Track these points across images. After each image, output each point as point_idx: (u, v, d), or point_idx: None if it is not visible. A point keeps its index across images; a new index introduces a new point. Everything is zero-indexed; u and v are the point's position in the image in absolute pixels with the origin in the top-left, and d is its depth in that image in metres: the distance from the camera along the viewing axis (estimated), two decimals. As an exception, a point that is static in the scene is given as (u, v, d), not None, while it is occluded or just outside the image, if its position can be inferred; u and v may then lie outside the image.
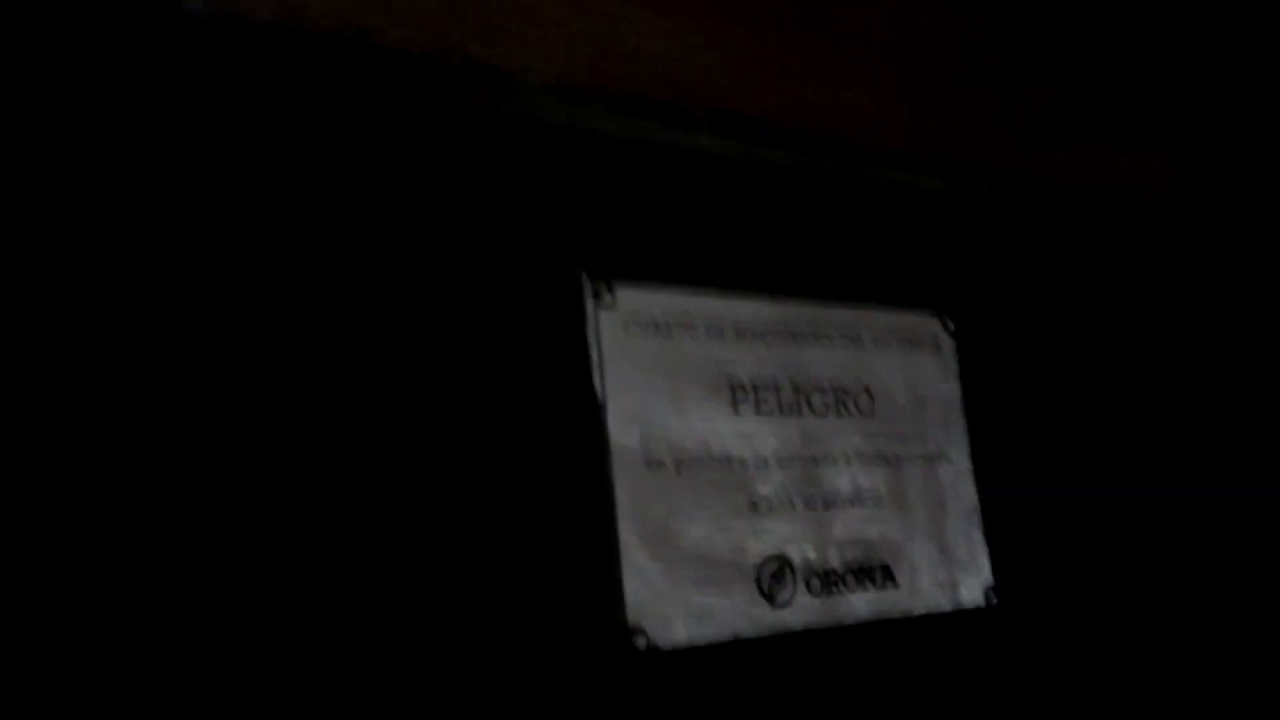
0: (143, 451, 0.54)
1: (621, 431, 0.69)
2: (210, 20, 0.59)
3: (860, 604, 0.77)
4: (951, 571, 0.83)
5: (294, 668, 0.56)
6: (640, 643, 0.66)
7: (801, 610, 0.74)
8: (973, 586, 0.84)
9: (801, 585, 0.74)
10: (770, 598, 0.72)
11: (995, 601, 0.84)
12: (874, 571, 0.78)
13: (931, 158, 0.88)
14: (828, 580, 0.76)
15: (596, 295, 0.70)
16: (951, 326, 0.89)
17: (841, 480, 0.78)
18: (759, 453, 0.75)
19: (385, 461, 0.60)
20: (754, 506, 0.73)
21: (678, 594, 0.68)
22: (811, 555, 0.75)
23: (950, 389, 0.87)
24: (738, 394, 0.75)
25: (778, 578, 0.73)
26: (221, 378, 0.57)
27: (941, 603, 0.81)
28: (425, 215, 0.65)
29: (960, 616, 0.82)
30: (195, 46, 0.60)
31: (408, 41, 0.66)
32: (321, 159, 0.63)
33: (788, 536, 0.74)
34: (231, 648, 0.54)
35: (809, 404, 0.78)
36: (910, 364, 0.85)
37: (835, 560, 0.76)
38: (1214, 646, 0.98)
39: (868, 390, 0.82)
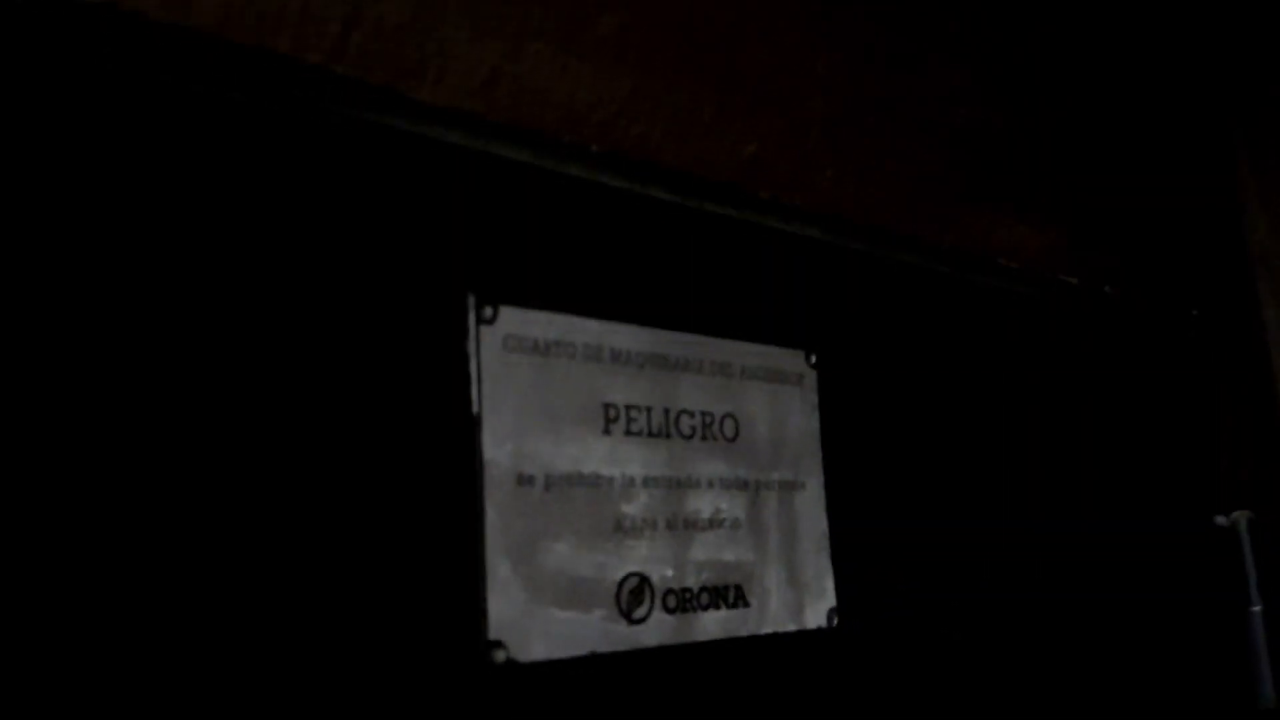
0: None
1: (494, 448, 0.70)
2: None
3: (712, 623, 0.80)
4: (799, 594, 0.87)
5: (148, 682, 0.55)
6: (500, 656, 0.68)
7: (656, 627, 0.77)
8: (818, 609, 0.88)
9: (659, 603, 0.77)
10: (627, 615, 0.75)
11: (837, 623, 0.90)
12: (728, 592, 0.82)
13: (818, 209, 0.93)
14: (684, 599, 0.79)
15: (479, 314, 0.71)
16: (814, 361, 0.93)
17: (703, 503, 0.82)
18: (627, 473, 0.77)
19: (255, 468, 0.60)
20: (618, 526, 0.76)
21: (540, 610, 0.70)
22: (670, 574, 0.78)
23: (810, 421, 0.92)
24: (610, 415, 0.77)
25: (636, 595, 0.76)
26: (82, 391, 0.56)
27: (788, 623, 0.86)
28: (313, 229, 0.66)
29: (804, 636, 0.87)
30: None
31: (301, 50, 0.66)
32: (207, 166, 0.62)
33: (649, 556, 0.77)
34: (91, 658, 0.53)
35: (678, 428, 0.82)
36: (775, 395, 0.89)
37: (692, 580, 0.80)
38: (1044, 670, 1.07)
39: (733, 417, 0.86)
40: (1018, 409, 1.14)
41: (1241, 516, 1.45)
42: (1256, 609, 1.43)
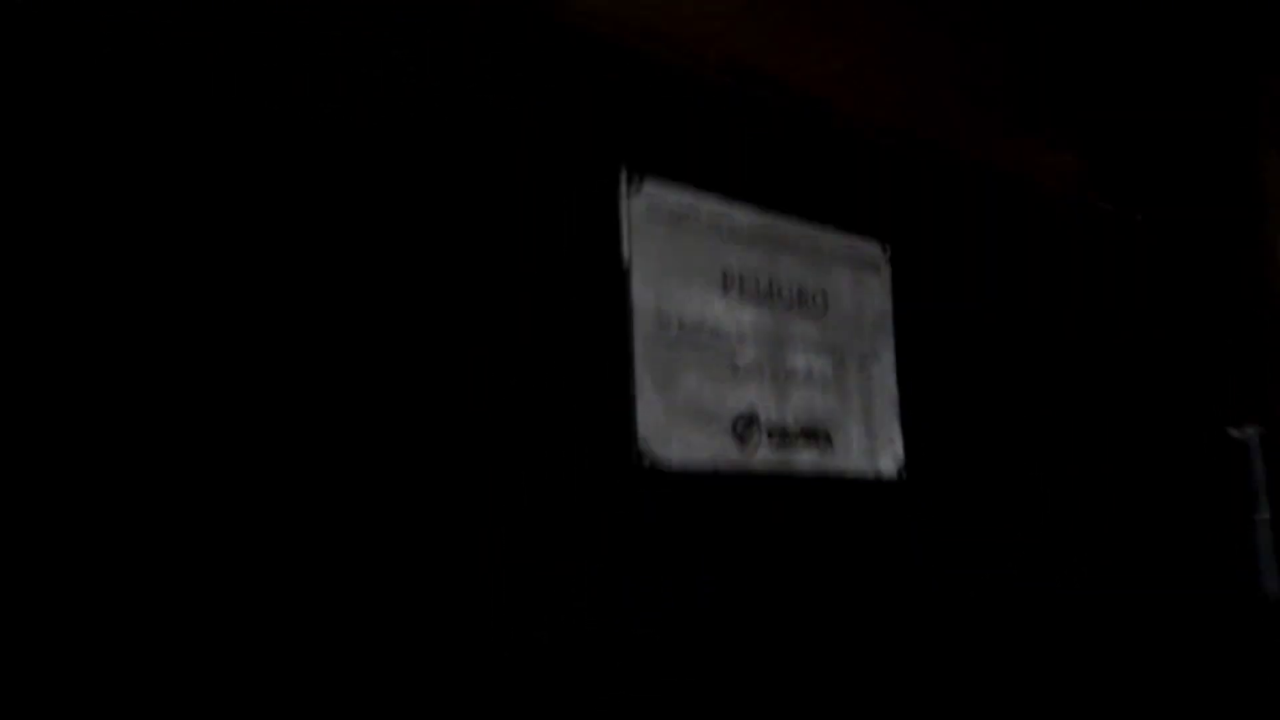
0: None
1: (640, 294, 0.85)
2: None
3: (805, 459, 0.96)
4: (874, 446, 1.03)
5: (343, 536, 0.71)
6: (646, 461, 0.83)
7: (763, 457, 0.92)
8: (888, 461, 1.04)
9: (765, 438, 0.93)
10: (741, 442, 0.91)
11: (905, 475, 1.05)
12: (818, 436, 0.97)
13: (891, 124, 1.08)
14: (783, 436, 0.94)
15: (629, 185, 0.86)
16: (889, 253, 1.08)
17: (799, 361, 0.97)
18: (741, 329, 0.93)
19: (453, 305, 0.76)
20: (734, 370, 0.91)
21: (675, 429, 0.86)
22: (774, 416, 0.94)
23: (885, 303, 1.07)
24: (726, 278, 0.92)
25: (748, 429, 0.92)
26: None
27: (865, 470, 1.01)
28: (504, 116, 0.80)
29: (878, 483, 1.02)
30: None
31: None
32: (380, 65, 0.77)
33: (757, 398, 0.93)
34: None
35: (780, 296, 0.97)
36: (857, 278, 1.04)
37: (791, 422, 0.95)
38: (1074, 530, 1.22)
39: (824, 293, 1.01)
40: (1054, 307, 1.29)
41: (1253, 431, 1.60)
42: (1263, 516, 1.58)
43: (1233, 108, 1.63)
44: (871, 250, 1.07)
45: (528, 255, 0.80)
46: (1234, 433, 1.60)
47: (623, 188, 0.86)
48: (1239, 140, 1.68)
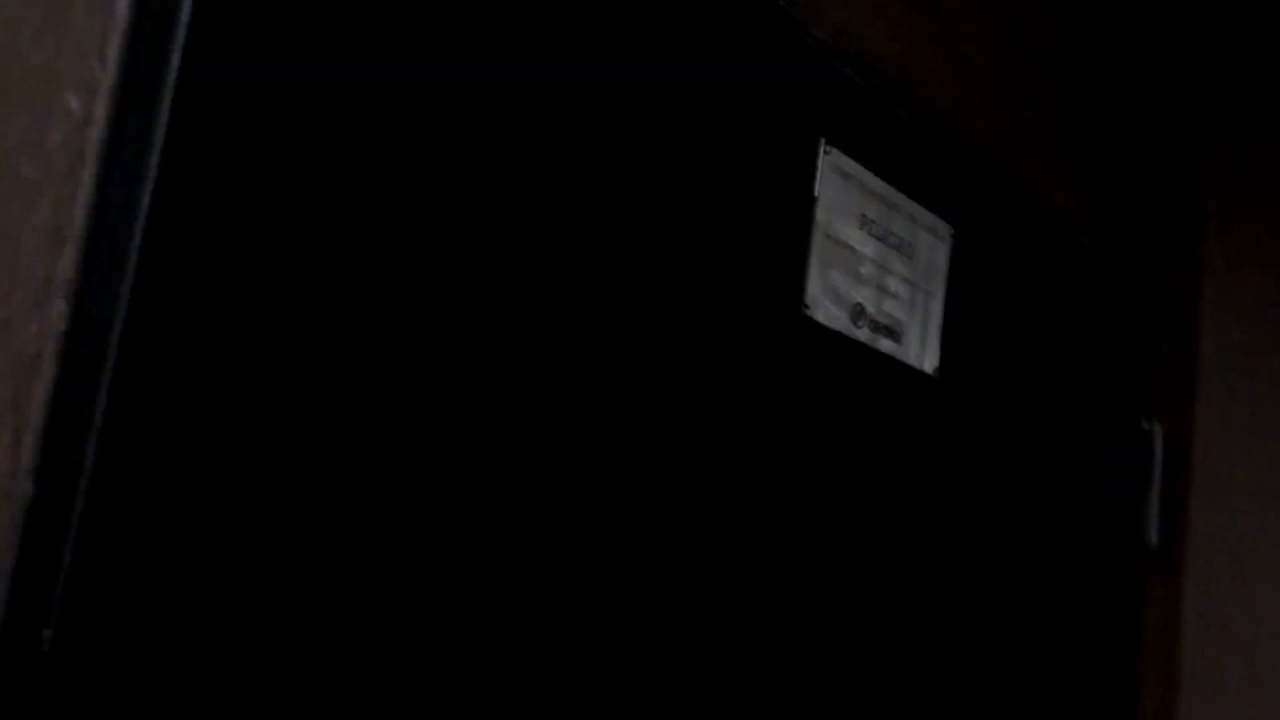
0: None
1: (820, 215, 1.39)
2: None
3: (886, 345, 1.51)
4: (924, 351, 1.58)
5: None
6: (807, 313, 1.37)
7: (864, 334, 1.47)
8: (930, 363, 1.59)
9: (867, 324, 1.47)
10: (854, 322, 1.45)
11: (939, 375, 1.60)
12: (894, 333, 1.52)
13: (977, 142, 1.64)
14: (876, 326, 1.49)
15: (825, 149, 1.40)
16: (953, 231, 1.64)
17: (892, 283, 1.52)
18: (866, 253, 1.47)
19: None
20: (858, 276, 1.46)
21: (824, 302, 1.40)
22: (873, 311, 1.48)
23: (944, 262, 1.62)
24: (863, 220, 1.47)
25: (859, 314, 1.46)
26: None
27: (916, 364, 1.57)
28: (740, 99, 1.34)
29: (922, 375, 1.58)
30: None
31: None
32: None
33: (867, 297, 1.47)
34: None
35: (889, 240, 1.51)
36: (933, 242, 1.60)
37: (882, 319, 1.50)
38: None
39: (913, 245, 1.56)
40: (1039, 302, 1.86)
41: (1159, 425, 2.19)
42: (1155, 488, 2.17)
43: (1189, 172, 2.22)
44: (940, 224, 1.62)
45: (764, 185, 1.33)
46: (1145, 426, 2.19)
47: (821, 149, 1.40)
48: (1190, 185, 2.27)
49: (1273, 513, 2.30)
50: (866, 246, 1.48)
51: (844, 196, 1.44)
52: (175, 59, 0.79)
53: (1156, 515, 2.22)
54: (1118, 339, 2.13)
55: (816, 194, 1.40)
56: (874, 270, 1.49)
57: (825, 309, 1.40)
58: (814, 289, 1.38)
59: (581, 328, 1.11)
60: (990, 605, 1.71)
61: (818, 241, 1.39)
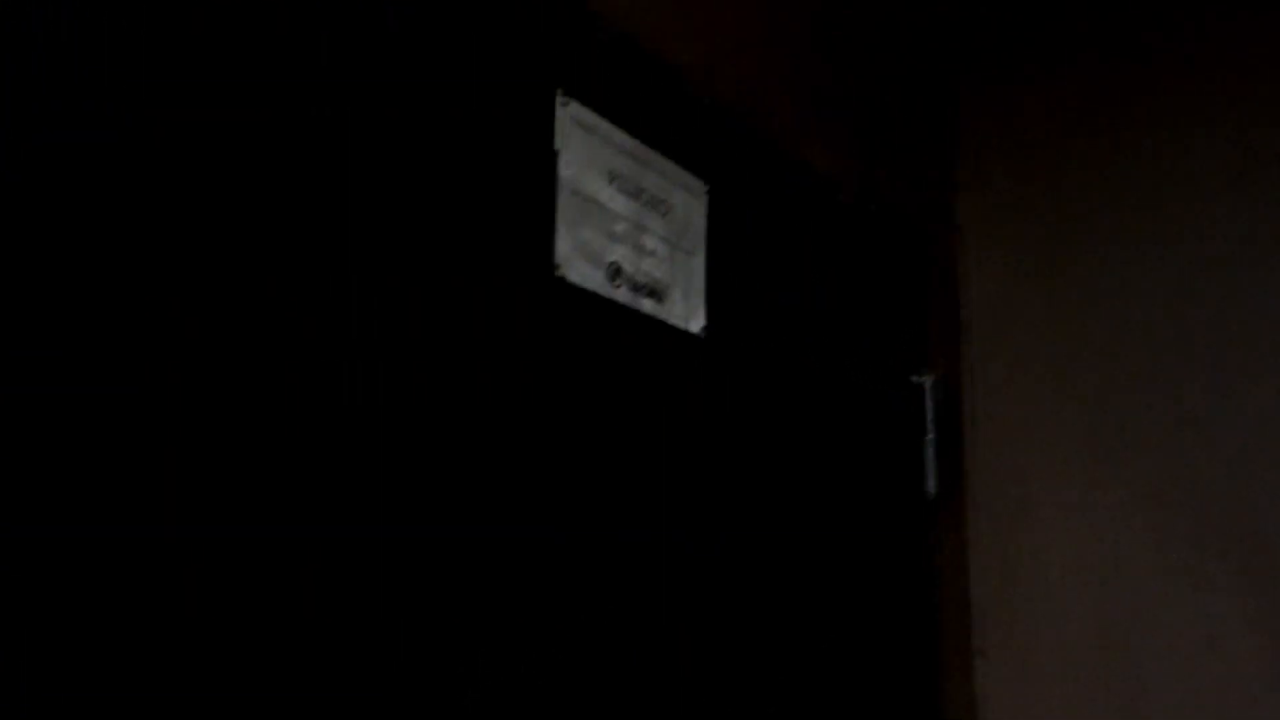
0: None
1: (564, 171, 1.32)
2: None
3: (647, 305, 1.45)
4: (689, 311, 1.53)
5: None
6: (558, 274, 1.29)
7: (623, 295, 1.40)
8: (696, 324, 1.55)
9: (626, 284, 1.41)
10: (611, 282, 1.39)
11: (705, 336, 1.56)
12: (656, 293, 1.47)
13: (728, 103, 1.61)
14: (636, 286, 1.43)
15: (562, 100, 1.33)
16: (708, 189, 1.60)
17: (649, 242, 1.46)
18: (617, 210, 1.41)
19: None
20: (611, 235, 1.39)
21: (577, 261, 1.32)
22: (631, 271, 1.42)
23: (702, 221, 1.58)
24: (612, 176, 1.41)
25: (616, 274, 1.40)
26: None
27: (681, 324, 1.52)
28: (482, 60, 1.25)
29: (688, 336, 1.53)
30: None
31: None
32: None
33: (623, 256, 1.41)
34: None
35: (642, 198, 1.46)
36: (688, 200, 1.56)
37: (641, 279, 1.44)
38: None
39: (668, 203, 1.51)
40: (802, 259, 1.86)
41: (928, 377, 2.25)
42: (929, 436, 2.23)
43: (938, 111, 2.30)
44: (696, 183, 1.58)
45: (503, 144, 1.24)
46: (915, 379, 2.24)
47: (558, 99, 1.33)
48: (943, 138, 2.36)
49: (1056, 453, 2.40)
50: (617, 203, 1.41)
51: (589, 151, 1.37)
52: None
53: (934, 465, 2.27)
54: (884, 294, 2.17)
55: (558, 148, 1.32)
56: (629, 229, 1.43)
57: (578, 268, 1.33)
58: (564, 247, 1.31)
59: (318, 305, 0.99)
60: (778, 567, 1.69)
61: (565, 199, 1.32)
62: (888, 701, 1.99)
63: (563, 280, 1.30)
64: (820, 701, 1.75)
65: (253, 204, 0.95)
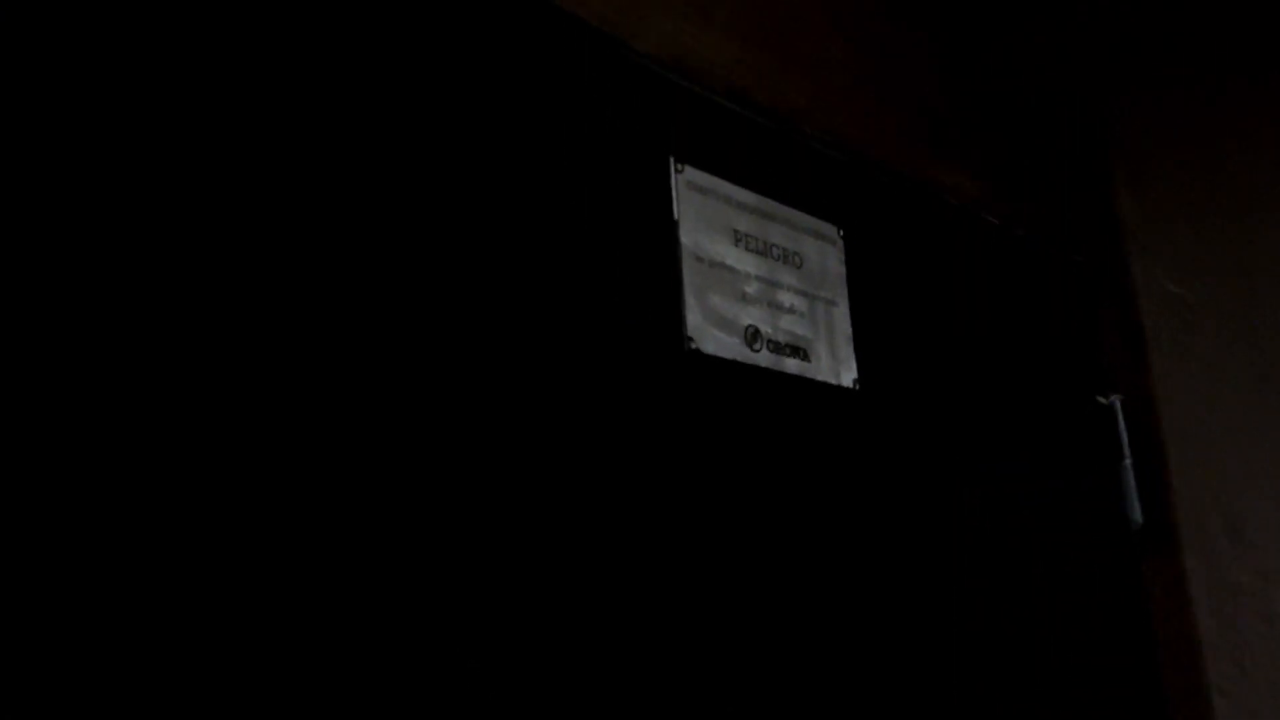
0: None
1: (686, 238, 1.27)
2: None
3: (792, 365, 1.37)
4: (837, 364, 1.44)
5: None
6: (692, 346, 1.23)
7: (765, 358, 1.33)
8: (848, 377, 1.45)
9: (765, 345, 1.34)
10: (749, 345, 1.32)
11: (859, 388, 1.46)
12: (799, 350, 1.39)
13: (845, 140, 1.53)
14: (777, 347, 1.35)
15: (677, 167, 1.28)
16: (842, 233, 1.52)
17: (785, 298, 1.39)
18: (746, 271, 1.34)
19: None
20: (743, 297, 1.33)
21: (710, 329, 1.26)
22: (770, 331, 1.35)
23: (840, 267, 1.50)
24: (735, 236, 1.34)
25: (754, 337, 1.32)
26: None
27: (831, 380, 1.43)
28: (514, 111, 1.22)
29: (840, 390, 1.44)
30: None
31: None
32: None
33: (759, 318, 1.34)
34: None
35: (771, 253, 1.39)
36: (821, 248, 1.47)
37: (781, 338, 1.36)
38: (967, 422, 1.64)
39: (800, 255, 1.43)
40: (954, 292, 1.74)
41: (1116, 396, 2.06)
42: (1126, 461, 2.03)
43: (1088, 133, 2.14)
44: (829, 229, 1.50)
45: (615, 216, 1.20)
46: (1101, 400, 2.06)
47: (672, 168, 1.28)
48: (1100, 178, 2.19)
49: (1266, 467, 2.16)
50: (746, 263, 1.35)
51: (708, 214, 1.31)
52: None
53: (1135, 490, 2.07)
54: (1046, 314, 2.01)
55: (677, 217, 1.27)
56: (761, 288, 1.36)
57: (712, 337, 1.27)
58: (694, 318, 1.25)
59: (457, 399, 0.96)
60: (985, 618, 1.55)
61: (689, 266, 1.26)
62: (1120, 761, 1.79)
63: (698, 352, 1.24)
64: (1041, 770, 1.59)
65: (386, 280, 0.94)
